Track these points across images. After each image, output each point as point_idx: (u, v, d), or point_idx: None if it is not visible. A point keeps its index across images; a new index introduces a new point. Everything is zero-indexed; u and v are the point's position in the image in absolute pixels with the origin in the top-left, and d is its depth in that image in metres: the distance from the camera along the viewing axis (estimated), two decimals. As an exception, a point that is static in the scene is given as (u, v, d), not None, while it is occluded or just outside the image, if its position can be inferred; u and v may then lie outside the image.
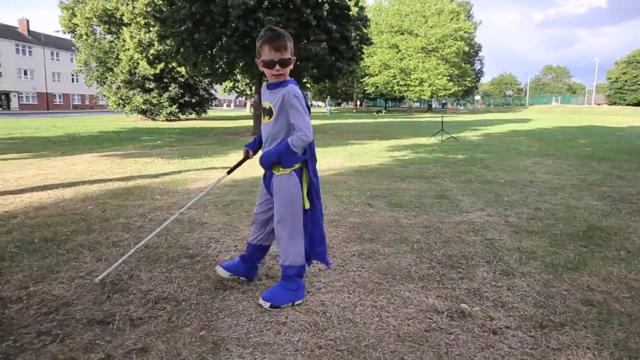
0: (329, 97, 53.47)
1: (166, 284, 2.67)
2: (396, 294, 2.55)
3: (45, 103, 56.42)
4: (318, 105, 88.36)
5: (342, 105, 78.52)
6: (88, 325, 2.18)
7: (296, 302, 2.42)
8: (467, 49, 50.15)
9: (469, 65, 55.20)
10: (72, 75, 44.61)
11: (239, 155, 7.75)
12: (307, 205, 2.42)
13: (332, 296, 2.52)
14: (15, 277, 2.75)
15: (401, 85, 47.58)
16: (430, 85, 46.10)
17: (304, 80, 17.67)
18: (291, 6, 13.15)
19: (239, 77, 19.59)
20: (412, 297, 2.52)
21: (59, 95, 59.85)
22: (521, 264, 3.02)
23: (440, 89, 46.66)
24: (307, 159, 2.40)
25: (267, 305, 2.37)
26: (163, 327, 2.17)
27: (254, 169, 4.71)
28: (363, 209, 4.53)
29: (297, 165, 2.37)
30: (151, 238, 2.99)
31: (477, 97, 79.04)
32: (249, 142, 2.63)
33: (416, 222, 4.06)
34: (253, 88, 18.73)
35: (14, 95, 52.77)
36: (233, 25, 12.50)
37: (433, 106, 61.50)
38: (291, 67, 2.36)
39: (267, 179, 2.51)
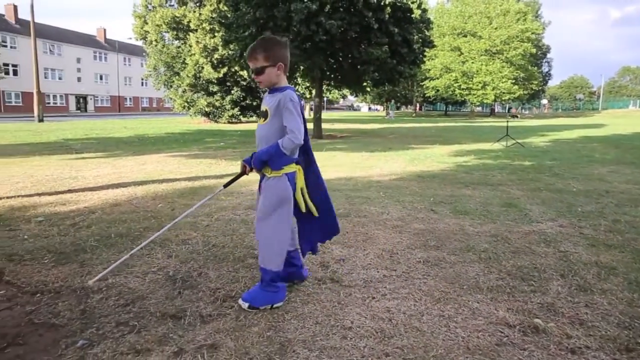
0: (392, 100, 52.20)
1: (233, 283, 2.74)
2: (464, 305, 2.47)
3: (117, 105, 60.19)
4: (376, 109, 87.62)
5: (401, 109, 77.43)
6: (162, 319, 2.28)
7: (275, 305, 2.42)
8: (534, 50, 47.84)
9: (535, 67, 52.75)
10: (142, 79, 47.33)
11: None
12: (304, 209, 2.50)
13: (398, 303, 2.48)
14: (96, 269, 2.93)
15: (463, 89, 46.28)
16: (493, 89, 44.47)
17: (364, 84, 17.57)
18: (352, 10, 13.15)
19: (299, 80, 19.85)
20: (481, 308, 2.43)
21: (130, 98, 63.59)
22: (600, 280, 2.83)
23: (504, 93, 44.90)
24: (299, 161, 2.46)
25: (245, 305, 2.39)
26: (232, 325, 2.23)
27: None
28: (427, 215, 4.43)
29: (288, 169, 2.40)
30: (146, 244, 3.07)
31: (544, 101, 75.10)
32: (246, 158, 2.60)
33: (482, 230, 3.92)
34: (313, 91, 18.88)
35: (91, 99, 56.89)
36: (295, 29, 12.69)
37: (496, 110, 59.16)
38: (270, 74, 2.40)
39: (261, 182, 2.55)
